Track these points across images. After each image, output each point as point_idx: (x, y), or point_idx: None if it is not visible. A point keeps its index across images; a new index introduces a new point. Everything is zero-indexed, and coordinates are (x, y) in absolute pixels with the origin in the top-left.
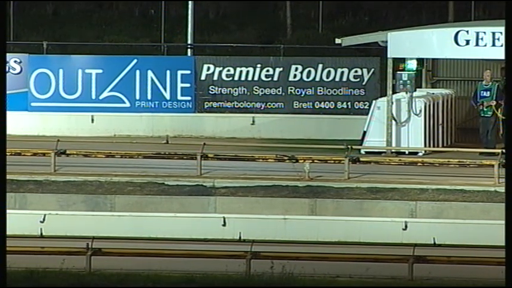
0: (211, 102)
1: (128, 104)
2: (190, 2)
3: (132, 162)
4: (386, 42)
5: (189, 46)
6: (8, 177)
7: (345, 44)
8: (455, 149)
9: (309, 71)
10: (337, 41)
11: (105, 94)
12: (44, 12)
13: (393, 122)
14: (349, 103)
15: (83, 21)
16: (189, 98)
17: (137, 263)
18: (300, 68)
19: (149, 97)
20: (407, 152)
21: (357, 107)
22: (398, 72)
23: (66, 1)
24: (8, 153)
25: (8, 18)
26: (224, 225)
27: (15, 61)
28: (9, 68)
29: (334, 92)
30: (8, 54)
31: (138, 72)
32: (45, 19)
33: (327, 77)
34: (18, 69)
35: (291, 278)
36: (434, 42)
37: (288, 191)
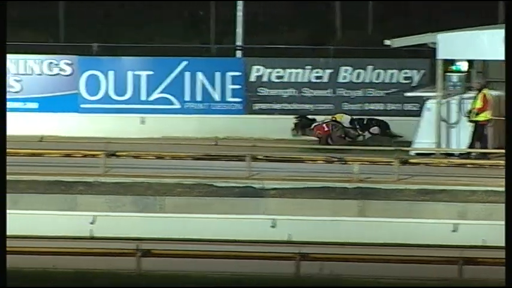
0: (260, 104)
1: (177, 106)
2: (239, 3)
3: (181, 163)
4: (436, 43)
5: (238, 48)
6: (58, 178)
7: (394, 46)
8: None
9: (359, 73)
10: (387, 42)
11: (155, 96)
12: (95, 14)
13: (443, 123)
14: (399, 104)
15: (133, 23)
16: (238, 100)
17: (187, 265)
18: (349, 69)
19: (199, 98)
20: (457, 154)
21: (406, 109)
22: (448, 73)
23: (116, 2)
24: (57, 155)
25: (58, 20)
26: (273, 226)
27: (65, 63)
28: (59, 70)
29: (384, 93)
30: (58, 56)
31: (187, 73)
32: (96, 21)
33: (377, 79)
34: (69, 71)
35: (340, 280)
36: (485, 43)
37: (337, 193)
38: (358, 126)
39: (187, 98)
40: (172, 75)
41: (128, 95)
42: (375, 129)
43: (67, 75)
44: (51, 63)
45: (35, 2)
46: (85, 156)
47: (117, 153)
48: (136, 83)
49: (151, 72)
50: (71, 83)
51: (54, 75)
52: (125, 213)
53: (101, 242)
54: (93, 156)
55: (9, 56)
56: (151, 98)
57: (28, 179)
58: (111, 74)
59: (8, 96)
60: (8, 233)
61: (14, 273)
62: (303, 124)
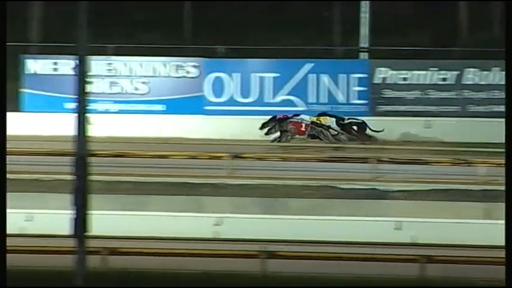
0: (385, 106)
1: (301, 108)
2: (364, 3)
3: (306, 165)
4: None
5: (363, 49)
6: (183, 180)
7: None
8: None
9: (485, 74)
10: None
11: (280, 98)
12: (220, 16)
13: None
14: None
15: (258, 24)
16: (363, 102)
17: (311, 267)
18: (475, 71)
19: (323, 100)
20: None
21: None
22: None
23: (241, 3)
24: (183, 157)
25: (184, 22)
26: (398, 228)
27: (192, 65)
28: (185, 72)
29: None
30: (184, 58)
31: (312, 75)
32: (221, 22)
33: (503, 80)
34: (194, 73)
35: (465, 282)
36: None
37: (462, 195)
38: (338, 127)
39: (311, 100)
40: (297, 77)
41: (253, 97)
42: (353, 129)
43: (193, 78)
44: (177, 65)
45: (161, 3)
46: (210, 158)
47: (242, 155)
48: (261, 85)
49: (276, 74)
50: (197, 85)
51: (180, 77)
52: (249, 215)
53: (225, 243)
54: (218, 158)
55: (135, 58)
56: (276, 100)
57: (154, 180)
58: (236, 76)
59: (134, 99)
60: (135, 234)
61: (138, 275)
62: (278, 119)
